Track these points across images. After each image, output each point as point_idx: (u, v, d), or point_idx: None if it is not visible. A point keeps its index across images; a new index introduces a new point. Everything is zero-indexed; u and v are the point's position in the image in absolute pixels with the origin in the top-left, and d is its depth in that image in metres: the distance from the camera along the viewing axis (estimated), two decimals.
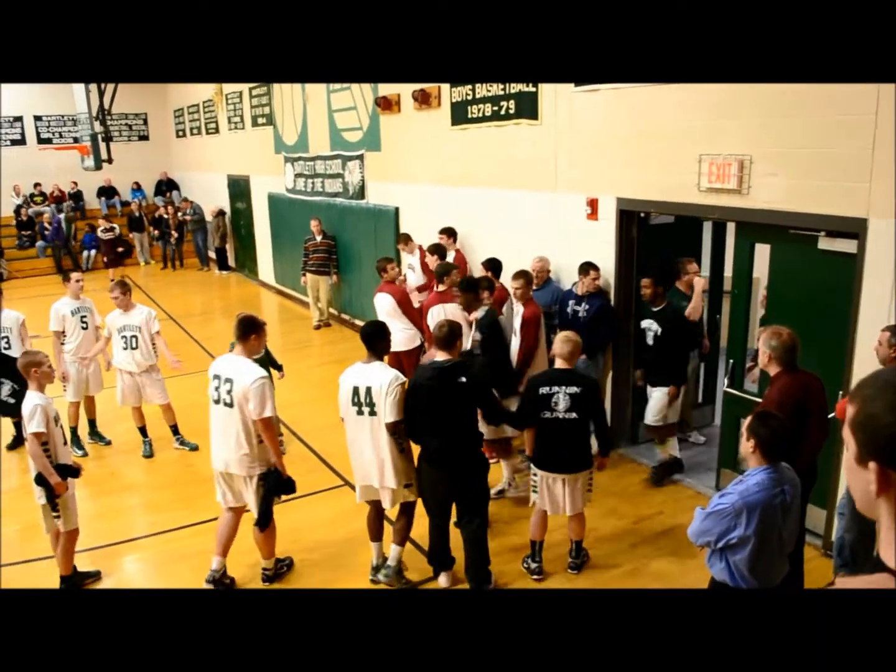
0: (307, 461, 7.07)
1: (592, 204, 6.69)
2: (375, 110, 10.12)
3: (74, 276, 7.54)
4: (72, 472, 5.04)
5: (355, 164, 11.04)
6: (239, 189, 16.59)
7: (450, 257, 8.42)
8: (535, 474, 5.11)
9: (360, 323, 11.65)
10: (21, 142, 20.31)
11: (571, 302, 6.72)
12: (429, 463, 4.86)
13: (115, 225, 17.63)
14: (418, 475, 4.94)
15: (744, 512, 3.33)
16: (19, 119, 20.25)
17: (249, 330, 4.92)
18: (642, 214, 6.49)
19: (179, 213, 18.52)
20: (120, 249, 17.44)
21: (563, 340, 5.00)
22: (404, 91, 9.35)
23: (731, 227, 6.62)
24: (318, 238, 11.86)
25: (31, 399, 4.90)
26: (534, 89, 7.19)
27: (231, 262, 18.06)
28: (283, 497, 5.17)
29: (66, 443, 5.17)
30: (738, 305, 5.91)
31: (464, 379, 4.71)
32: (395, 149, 9.97)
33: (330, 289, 12.14)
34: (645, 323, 6.39)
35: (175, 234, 18.51)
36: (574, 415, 4.88)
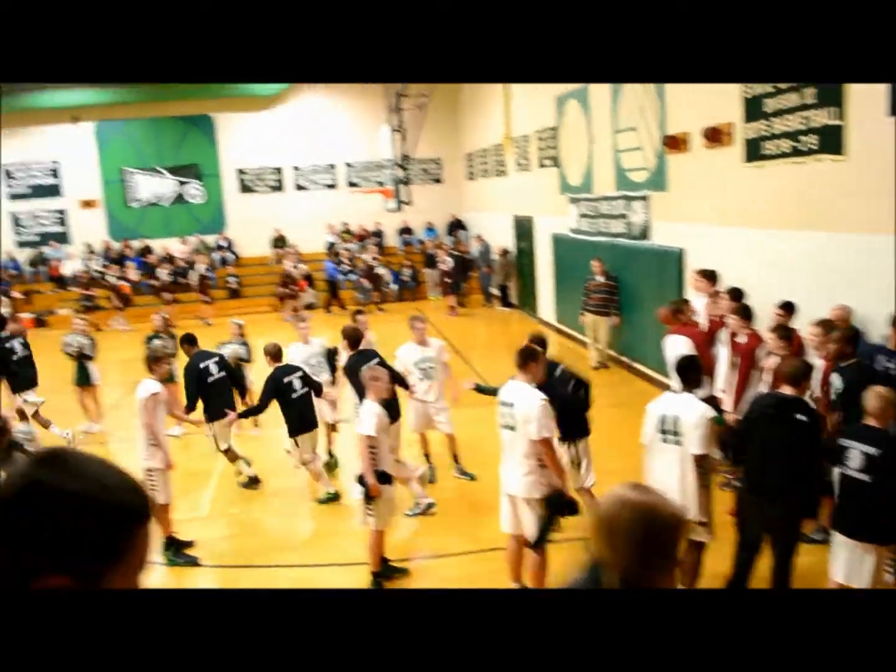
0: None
1: None
2: (662, 150, 9.96)
3: (361, 318, 8.27)
4: (387, 479, 5.73)
5: (640, 205, 10.92)
6: (523, 229, 17.13)
7: (700, 302, 8.11)
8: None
9: (640, 367, 11.41)
10: (333, 186, 22.80)
11: (882, 357, 6.03)
12: (750, 491, 4.85)
13: (448, 258, 19.19)
14: (739, 504, 4.95)
15: None
16: (333, 166, 22.74)
17: (528, 358, 5.24)
18: None
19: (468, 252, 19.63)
20: (448, 280, 18.99)
21: (873, 396, 4.57)
22: (693, 129, 9.11)
23: None
24: (600, 278, 11.86)
25: (369, 407, 5.74)
26: (839, 122, 6.65)
27: (513, 299, 18.66)
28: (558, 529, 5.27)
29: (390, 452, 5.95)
30: None
31: (803, 417, 4.61)
32: (682, 188, 9.72)
33: (610, 330, 12.05)
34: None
35: (487, 272, 19.52)
36: (866, 477, 4.41)
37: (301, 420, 7.42)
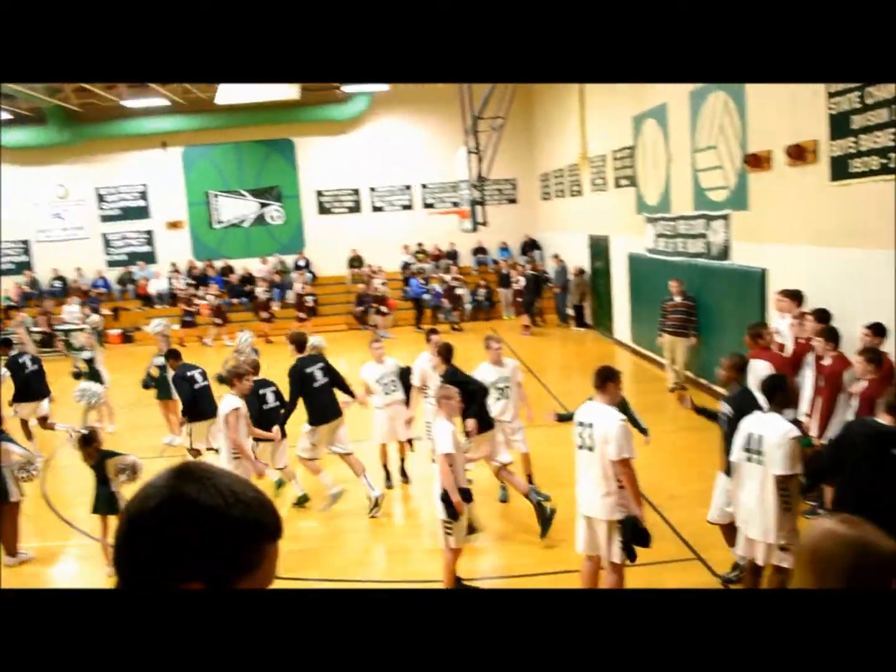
0: (656, 527, 6.87)
1: None
2: (743, 168, 9.77)
3: (434, 337, 8.32)
4: (467, 495, 5.68)
5: (719, 224, 10.72)
6: (599, 248, 17.00)
7: (784, 323, 7.87)
8: None
9: (718, 389, 11.12)
10: (409, 207, 23.15)
11: None
12: None
13: (521, 277, 19.53)
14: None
15: None
16: (409, 187, 23.09)
17: (607, 378, 5.23)
18: None
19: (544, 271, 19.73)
20: (519, 300, 19.47)
21: None
22: (776, 147, 8.92)
23: None
24: (678, 299, 11.66)
25: (442, 425, 5.74)
26: None
27: (588, 319, 18.51)
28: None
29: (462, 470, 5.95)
30: None
31: None
32: (764, 207, 9.50)
33: (687, 351, 11.82)
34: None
35: (559, 291, 19.52)
36: None
37: (267, 429, 7.91)
